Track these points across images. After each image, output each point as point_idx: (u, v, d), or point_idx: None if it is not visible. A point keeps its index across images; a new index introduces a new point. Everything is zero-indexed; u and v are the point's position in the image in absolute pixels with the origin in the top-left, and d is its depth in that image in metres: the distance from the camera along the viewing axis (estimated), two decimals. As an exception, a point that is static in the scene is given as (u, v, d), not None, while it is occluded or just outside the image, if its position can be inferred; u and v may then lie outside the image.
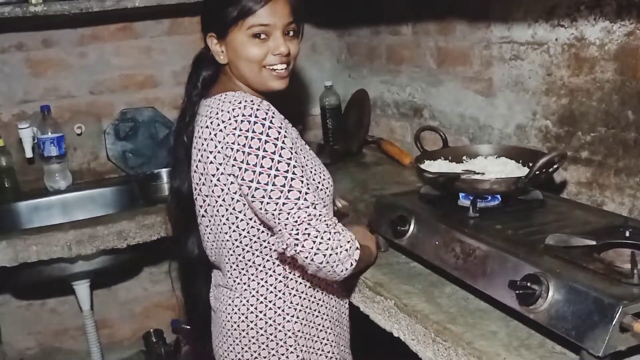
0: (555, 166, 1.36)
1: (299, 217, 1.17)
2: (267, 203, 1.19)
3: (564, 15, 1.55)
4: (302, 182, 1.19)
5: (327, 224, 1.18)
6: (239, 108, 1.23)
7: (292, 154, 1.21)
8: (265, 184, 1.18)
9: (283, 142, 1.20)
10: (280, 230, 1.19)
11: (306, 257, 1.17)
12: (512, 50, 1.76)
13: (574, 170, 1.59)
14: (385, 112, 2.53)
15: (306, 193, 1.18)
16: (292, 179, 1.18)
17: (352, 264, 1.23)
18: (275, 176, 1.18)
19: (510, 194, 1.38)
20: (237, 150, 1.21)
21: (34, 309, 2.62)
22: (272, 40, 1.31)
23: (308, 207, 1.17)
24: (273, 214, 1.19)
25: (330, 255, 1.17)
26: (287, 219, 1.17)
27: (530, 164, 1.38)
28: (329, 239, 1.17)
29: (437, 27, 2.10)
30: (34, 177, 2.49)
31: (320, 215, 1.18)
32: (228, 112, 1.24)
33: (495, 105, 1.87)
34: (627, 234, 1.15)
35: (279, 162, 1.19)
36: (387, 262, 1.46)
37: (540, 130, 1.69)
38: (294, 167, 1.19)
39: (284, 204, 1.18)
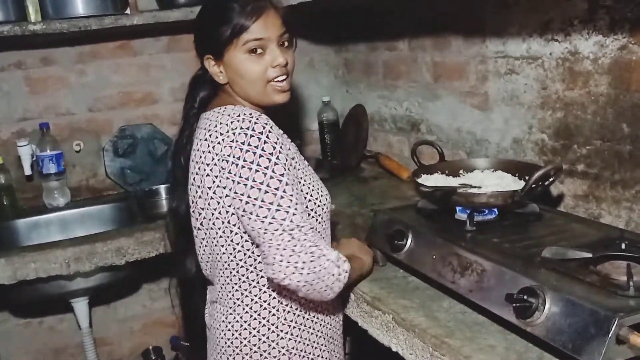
0: (551, 179, 1.36)
1: (282, 240, 1.16)
2: (254, 220, 1.19)
3: (558, 30, 1.57)
4: (291, 200, 1.18)
5: (312, 252, 1.17)
6: (237, 121, 1.24)
7: (285, 170, 1.20)
8: (255, 199, 1.18)
9: (277, 157, 1.20)
10: (264, 251, 1.19)
11: (296, 287, 1.17)
12: (507, 64, 1.77)
13: (570, 183, 1.60)
14: (382, 127, 2.55)
15: (293, 214, 1.18)
16: (282, 197, 1.18)
17: (340, 287, 1.23)
18: (265, 192, 1.18)
19: (507, 208, 1.38)
20: (232, 163, 1.21)
21: (32, 327, 2.61)
22: (269, 54, 1.32)
23: (293, 229, 1.17)
24: (258, 232, 1.18)
25: (317, 282, 1.17)
26: (271, 240, 1.17)
27: (527, 178, 1.38)
28: (315, 268, 1.16)
29: (433, 43, 2.12)
30: (32, 195, 2.49)
31: (305, 240, 1.17)
32: (226, 124, 1.25)
33: (492, 119, 1.88)
34: (623, 246, 1.15)
35: (271, 177, 1.19)
36: (385, 276, 1.46)
37: (536, 144, 1.70)
38: (286, 184, 1.19)
39: (269, 223, 1.17)
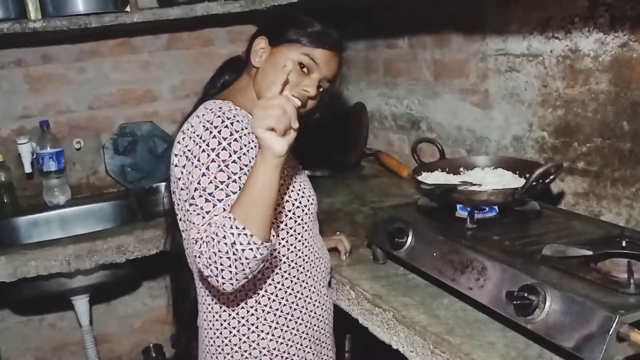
0: (551, 177, 1.36)
1: (193, 231, 1.15)
2: (182, 208, 1.24)
3: (558, 28, 1.56)
4: (209, 202, 1.15)
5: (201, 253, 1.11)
6: (206, 114, 1.23)
7: (222, 166, 1.17)
8: (188, 193, 1.19)
9: (218, 154, 1.17)
10: None
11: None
12: (508, 62, 1.77)
13: (570, 181, 1.60)
14: (383, 125, 2.54)
15: (202, 216, 1.14)
16: (200, 195, 1.16)
17: (246, 262, 1.09)
18: (195, 189, 1.17)
19: (507, 205, 1.38)
20: (185, 155, 1.23)
21: (32, 325, 2.62)
22: (308, 79, 1.33)
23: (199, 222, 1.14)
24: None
25: (210, 266, 1.10)
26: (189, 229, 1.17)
27: (527, 175, 1.38)
28: (201, 254, 1.11)
29: (433, 40, 2.12)
30: (33, 192, 2.50)
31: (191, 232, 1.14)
32: (198, 116, 1.25)
33: (492, 117, 1.88)
34: (624, 244, 1.15)
35: (203, 174, 1.17)
36: (386, 274, 1.46)
37: (536, 142, 1.70)
38: (215, 186, 1.16)
39: (189, 220, 1.17)
